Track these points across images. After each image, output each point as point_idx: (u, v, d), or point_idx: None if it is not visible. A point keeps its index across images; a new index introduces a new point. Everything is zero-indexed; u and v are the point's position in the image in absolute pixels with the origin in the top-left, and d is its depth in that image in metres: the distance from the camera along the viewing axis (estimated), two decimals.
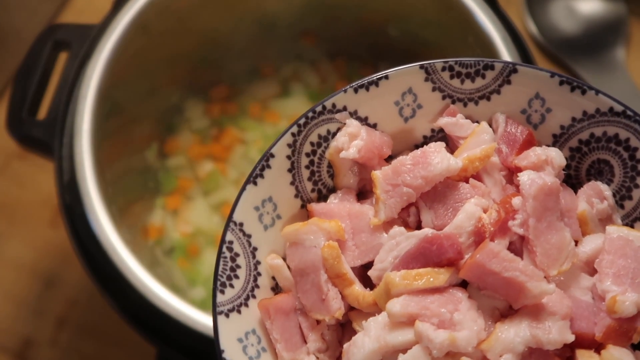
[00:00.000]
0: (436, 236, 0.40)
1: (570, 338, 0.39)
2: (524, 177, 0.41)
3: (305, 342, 0.43)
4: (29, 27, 0.94)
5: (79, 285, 0.84)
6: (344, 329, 0.44)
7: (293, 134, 0.44)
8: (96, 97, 0.67)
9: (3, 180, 0.90)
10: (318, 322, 0.43)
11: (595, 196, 0.44)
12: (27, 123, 0.70)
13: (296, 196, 0.46)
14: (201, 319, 0.60)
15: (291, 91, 0.86)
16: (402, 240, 0.42)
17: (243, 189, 0.43)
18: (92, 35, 0.70)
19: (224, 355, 0.41)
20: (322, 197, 0.47)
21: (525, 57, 0.66)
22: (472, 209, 0.41)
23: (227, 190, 0.82)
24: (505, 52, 0.66)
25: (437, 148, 0.43)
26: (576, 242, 0.43)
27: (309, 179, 0.46)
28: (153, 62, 0.76)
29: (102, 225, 0.63)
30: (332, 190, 0.47)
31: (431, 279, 0.40)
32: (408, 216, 0.44)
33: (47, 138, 0.68)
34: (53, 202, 0.88)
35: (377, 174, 0.43)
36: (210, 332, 0.59)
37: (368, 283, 0.43)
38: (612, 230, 0.41)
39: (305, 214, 0.46)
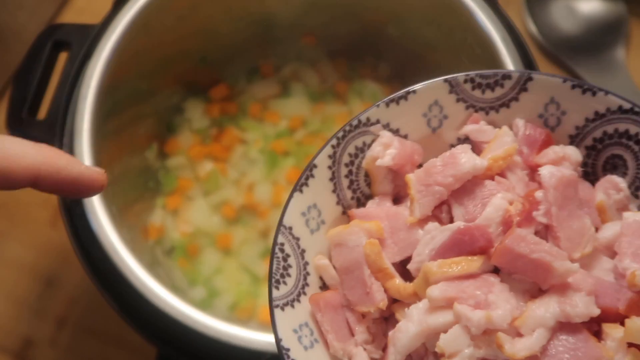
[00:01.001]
0: (468, 227, 0.44)
1: (596, 311, 0.41)
2: (544, 171, 0.45)
3: (352, 335, 0.47)
4: (29, 27, 0.93)
5: (79, 285, 0.84)
6: (388, 322, 0.47)
7: (333, 146, 0.48)
8: (96, 97, 0.67)
9: None
10: (363, 316, 0.47)
11: (611, 188, 0.47)
12: (27, 123, 0.70)
13: (337, 203, 0.49)
14: (201, 319, 0.60)
15: (291, 91, 0.87)
16: (436, 234, 0.45)
17: (291, 196, 0.47)
18: (92, 35, 0.70)
19: (282, 343, 0.44)
20: (361, 204, 0.51)
21: (525, 57, 0.66)
22: (499, 202, 0.45)
23: (228, 190, 0.82)
24: (505, 52, 0.66)
25: (463, 149, 0.47)
26: (596, 229, 0.46)
27: (349, 187, 0.50)
28: (153, 62, 0.76)
29: (102, 225, 0.63)
30: (370, 197, 0.51)
31: (465, 266, 0.43)
32: (441, 213, 0.47)
33: (47, 138, 0.68)
34: (53, 202, 0.88)
35: (411, 177, 0.47)
36: (212, 333, 0.59)
37: (407, 278, 0.46)
38: (628, 216, 0.45)
39: (346, 219, 0.50)
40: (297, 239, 0.47)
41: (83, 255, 0.64)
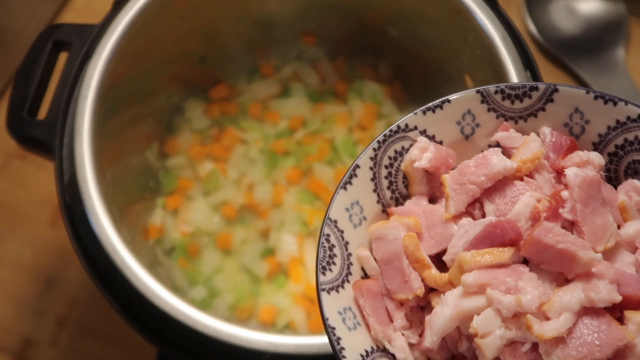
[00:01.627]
0: (499, 221, 0.48)
1: (618, 298, 0.45)
2: (569, 172, 0.48)
3: (391, 321, 0.51)
4: (29, 27, 0.94)
5: (79, 285, 0.85)
6: (424, 311, 0.51)
7: (374, 149, 0.53)
8: (96, 97, 0.67)
9: (3, 180, 0.90)
10: (401, 304, 0.51)
11: (632, 190, 0.51)
12: (28, 123, 0.70)
13: (378, 202, 0.53)
14: (202, 319, 0.60)
15: (291, 91, 0.87)
16: (470, 227, 0.49)
17: (336, 192, 0.52)
18: (92, 35, 0.70)
19: (328, 322, 0.48)
20: (399, 204, 0.55)
21: (525, 57, 0.67)
22: (527, 199, 0.48)
23: (228, 190, 0.82)
24: (505, 52, 0.66)
25: (495, 152, 0.51)
26: (619, 227, 0.49)
27: (388, 188, 0.54)
28: (153, 62, 0.76)
29: (103, 225, 0.63)
30: (407, 197, 0.55)
31: (497, 256, 0.47)
32: (474, 210, 0.51)
33: (48, 138, 0.68)
34: (53, 202, 0.88)
35: (446, 177, 0.51)
36: (212, 333, 0.59)
37: (442, 269, 0.50)
38: None
39: (385, 217, 0.54)
40: (342, 231, 0.51)
41: (83, 255, 0.64)
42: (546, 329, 0.44)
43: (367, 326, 0.51)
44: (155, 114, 0.82)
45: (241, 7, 0.80)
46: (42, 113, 0.71)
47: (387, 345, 0.50)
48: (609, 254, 0.48)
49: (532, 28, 0.91)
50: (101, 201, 0.64)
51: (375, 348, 0.50)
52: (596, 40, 0.90)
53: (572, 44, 0.90)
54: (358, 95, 0.85)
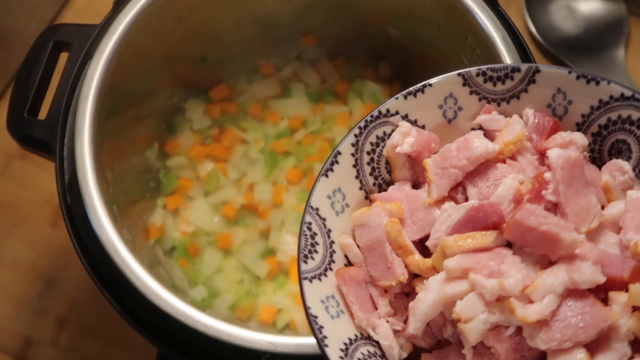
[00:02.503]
0: (481, 205, 0.47)
1: (602, 279, 0.44)
2: (552, 153, 0.48)
3: (376, 308, 0.50)
4: (29, 28, 0.94)
5: (79, 285, 0.85)
6: (409, 297, 0.51)
7: (355, 135, 0.52)
8: (97, 97, 0.67)
9: (4, 180, 0.90)
10: (386, 291, 0.50)
11: (616, 170, 0.50)
12: (28, 123, 0.70)
13: (360, 188, 0.53)
14: (202, 319, 0.60)
15: (291, 91, 0.87)
16: (452, 212, 0.49)
17: (317, 180, 0.51)
18: (92, 35, 0.70)
19: (310, 311, 0.48)
20: (382, 190, 0.54)
21: (526, 57, 0.67)
22: (510, 182, 0.48)
23: (228, 190, 0.82)
24: (505, 52, 0.66)
25: (477, 134, 0.50)
26: (603, 207, 0.49)
27: (371, 174, 0.53)
28: (153, 62, 0.76)
29: (103, 225, 0.63)
30: (390, 183, 0.54)
31: (479, 240, 0.46)
32: (456, 194, 0.51)
33: (48, 138, 0.68)
34: (54, 202, 0.88)
35: (428, 161, 0.51)
36: (212, 333, 0.59)
37: (426, 255, 0.50)
38: (632, 193, 0.48)
39: (368, 203, 0.54)
40: (324, 219, 0.51)
41: (83, 255, 0.64)
42: (530, 312, 0.44)
43: (351, 314, 0.50)
44: (155, 114, 0.82)
45: (241, 7, 0.80)
46: (43, 113, 0.71)
47: (372, 333, 0.50)
48: (593, 235, 0.47)
49: (532, 28, 0.91)
50: (101, 201, 0.64)
51: (359, 336, 0.50)
52: (596, 40, 0.90)
53: (572, 44, 0.90)
54: (358, 95, 0.85)
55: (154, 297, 0.61)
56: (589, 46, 0.90)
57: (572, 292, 0.44)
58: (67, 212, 0.65)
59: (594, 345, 0.44)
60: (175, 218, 0.82)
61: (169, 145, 0.83)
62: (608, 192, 0.49)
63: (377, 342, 0.50)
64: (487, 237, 0.46)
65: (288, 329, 0.76)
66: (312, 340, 0.60)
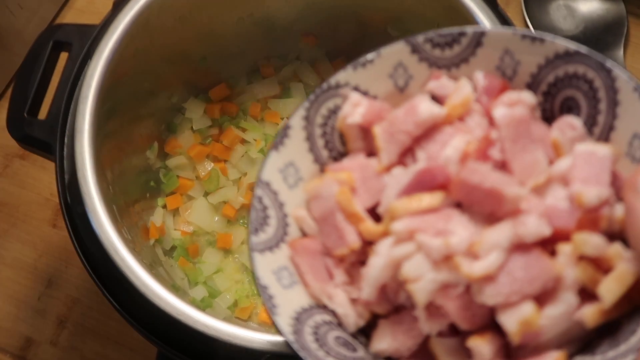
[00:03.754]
0: (427, 167, 0.47)
1: (547, 230, 0.44)
2: (497, 112, 0.48)
3: (332, 278, 0.50)
4: (29, 28, 0.94)
5: (79, 285, 0.85)
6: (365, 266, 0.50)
7: (306, 109, 0.52)
8: (97, 97, 0.67)
9: (3, 180, 0.90)
10: (341, 261, 0.50)
11: (566, 127, 0.50)
12: (28, 123, 0.70)
13: (314, 162, 0.53)
14: (202, 319, 0.60)
15: (291, 91, 0.87)
16: (401, 176, 0.49)
17: (268, 155, 0.52)
18: (92, 35, 0.70)
19: (260, 281, 0.48)
20: (338, 162, 0.54)
21: None
22: (457, 143, 0.48)
23: (228, 190, 0.82)
24: None
25: (422, 99, 0.50)
26: (553, 164, 0.49)
27: (324, 147, 0.54)
28: (153, 62, 0.76)
29: (103, 225, 0.63)
30: (346, 155, 0.54)
31: (426, 201, 0.46)
32: (406, 159, 0.51)
33: (48, 138, 0.68)
34: (54, 201, 0.88)
35: (376, 128, 0.51)
36: (212, 332, 0.59)
37: (379, 222, 0.50)
38: (580, 146, 0.47)
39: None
40: (275, 193, 0.51)
41: (83, 255, 0.64)
42: (474, 268, 0.43)
43: (305, 284, 0.50)
44: (155, 114, 0.82)
45: (241, 7, 0.80)
46: (43, 113, 0.71)
47: (327, 302, 0.49)
48: (541, 190, 0.47)
49: (532, 28, 0.91)
50: (101, 201, 0.64)
51: (313, 305, 0.50)
52: (595, 40, 0.90)
53: None
54: None
55: (154, 297, 0.61)
56: (588, 46, 0.90)
57: (519, 247, 0.44)
58: (67, 211, 0.65)
59: (542, 298, 0.44)
60: (175, 218, 0.82)
61: (169, 145, 0.83)
62: (558, 148, 0.49)
63: (333, 311, 0.50)
64: (434, 198, 0.46)
65: None
66: None
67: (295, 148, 0.52)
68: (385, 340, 0.49)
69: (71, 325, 0.83)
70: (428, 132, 0.50)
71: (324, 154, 0.54)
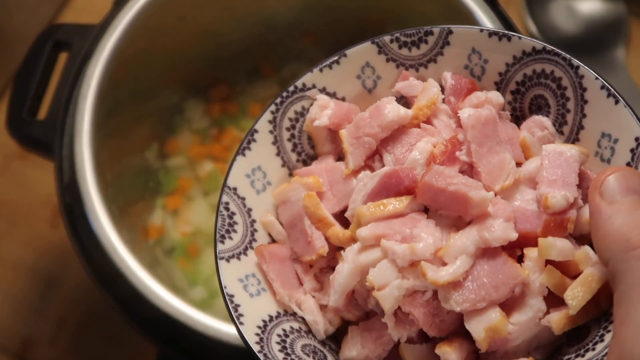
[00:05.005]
0: (393, 170, 0.47)
1: (514, 235, 0.44)
2: (463, 113, 0.47)
3: (301, 285, 0.49)
4: (29, 27, 0.94)
5: (79, 285, 0.85)
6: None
7: (272, 112, 0.51)
8: (96, 97, 0.67)
9: (3, 180, 0.90)
10: (310, 266, 0.50)
11: (535, 126, 0.49)
12: (27, 123, 0.70)
13: (283, 165, 0.52)
14: (202, 319, 0.60)
15: None
16: (367, 180, 0.48)
17: (234, 159, 0.51)
18: (92, 35, 0.70)
19: (226, 290, 0.47)
20: (307, 166, 0.53)
21: None
22: (423, 145, 0.47)
23: None
24: None
25: (388, 101, 0.49)
26: (521, 165, 0.48)
27: (293, 150, 0.53)
28: (153, 62, 0.76)
29: (103, 225, 0.63)
30: (315, 158, 0.53)
31: (393, 206, 0.46)
32: (373, 162, 0.50)
33: (47, 138, 0.68)
34: (53, 202, 0.88)
35: (343, 131, 0.50)
36: (211, 333, 0.59)
37: (348, 227, 0.49)
38: (547, 147, 0.47)
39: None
40: (243, 198, 0.50)
41: (83, 255, 0.64)
42: (441, 275, 0.43)
43: (273, 292, 0.49)
44: (155, 114, 0.82)
45: (241, 7, 0.80)
46: (42, 113, 0.71)
47: (295, 309, 0.49)
48: (509, 193, 0.46)
49: (532, 28, 0.91)
50: (101, 201, 0.64)
51: (282, 313, 0.49)
52: (596, 40, 0.90)
53: (572, 44, 0.90)
54: None
55: (154, 297, 0.61)
56: (589, 46, 0.90)
57: (486, 252, 0.44)
58: (67, 212, 0.65)
59: (509, 304, 0.44)
60: (174, 218, 0.82)
61: (169, 145, 0.83)
62: (526, 149, 0.48)
63: (303, 318, 0.49)
64: (401, 203, 0.46)
65: None
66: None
67: (263, 152, 0.51)
68: (355, 348, 0.47)
69: (71, 325, 0.83)
70: (395, 134, 0.49)
71: (293, 157, 0.53)
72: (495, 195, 0.46)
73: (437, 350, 0.44)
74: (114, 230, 0.63)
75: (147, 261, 0.71)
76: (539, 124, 0.49)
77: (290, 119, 0.52)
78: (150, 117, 0.81)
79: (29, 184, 0.90)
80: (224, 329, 0.60)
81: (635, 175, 0.42)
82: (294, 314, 0.49)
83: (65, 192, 0.65)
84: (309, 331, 0.49)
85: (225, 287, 0.47)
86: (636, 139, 0.45)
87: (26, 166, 0.90)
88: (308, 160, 0.53)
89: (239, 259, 0.49)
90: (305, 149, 0.53)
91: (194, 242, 0.81)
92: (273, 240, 0.51)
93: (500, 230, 0.43)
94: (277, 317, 0.48)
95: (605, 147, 0.47)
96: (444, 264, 0.44)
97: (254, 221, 0.50)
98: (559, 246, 0.43)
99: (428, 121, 0.50)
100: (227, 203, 0.50)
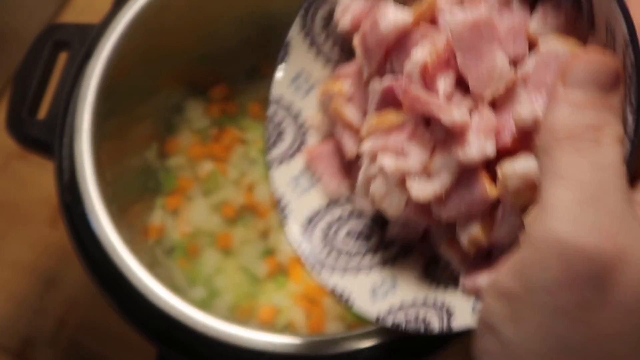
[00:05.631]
0: (389, 86, 0.46)
1: (488, 151, 0.42)
2: (446, 17, 0.45)
3: (348, 176, 0.52)
4: (28, 27, 0.94)
5: (79, 285, 0.85)
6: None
7: (302, 16, 0.53)
8: (96, 97, 0.67)
9: (3, 180, 0.90)
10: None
11: (551, 10, 0.43)
12: (27, 123, 0.70)
13: (325, 65, 0.53)
14: (202, 319, 0.60)
15: None
16: (376, 92, 0.48)
17: (274, 76, 0.53)
18: (92, 35, 0.70)
19: (276, 194, 0.50)
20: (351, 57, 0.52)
21: None
22: (417, 55, 0.44)
23: (228, 190, 0.82)
24: None
25: (386, 6, 0.47)
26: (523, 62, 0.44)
27: (332, 48, 0.53)
28: (153, 62, 0.76)
29: (102, 225, 0.63)
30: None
31: (387, 119, 0.46)
32: (386, 70, 0.49)
33: (47, 138, 0.68)
34: (53, 202, 0.87)
35: (355, 39, 0.49)
36: (211, 333, 0.59)
37: None
38: (544, 44, 0.42)
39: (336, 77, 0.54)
40: (289, 104, 0.52)
41: (83, 255, 0.64)
42: (423, 191, 0.44)
43: (322, 186, 0.51)
44: (155, 114, 0.82)
45: (241, 7, 0.80)
46: (42, 113, 0.71)
47: (347, 198, 0.51)
48: (504, 99, 0.43)
49: None
50: (101, 201, 0.64)
51: (329, 203, 0.51)
52: None
53: None
54: None
55: (154, 297, 0.61)
56: None
57: (466, 168, 0.43)
58: (67, 212, 0.65)
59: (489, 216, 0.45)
60: (174, 218, 0.82)
61: (168, 145, 0.83)
62: (534, 43, 0.43)
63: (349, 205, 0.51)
64: (396, 117, 0.46)
65: (288, 329, 0.76)
66: (311, 340, 0.60)
67: (301, 58, 0.53)
68: (396, 225, 0.50)
69: (71, 325, 0.83)
70: (400, 39, 0.47)
71: (334, 55, 0.53)
72: (490, 104, 0.43)
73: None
74: (113, 230, 0.63)
75: (147, 261, 0.70)
76: (556, 7, 0.43)
77: (323, 19, 0.53)
78: (150, 117, 0.81)
79: (29, 184, 0.90)
80: (224, 329, 0.60)
81: (609, 66, 0.37)
82: (341, 204, 0.51)
83: (65, 191, 0.65)
84: (355, 214, 0.51)
85: (275, 191, 0.50)
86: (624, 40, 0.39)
87: (26, 166, 0.90)
88: (351, 56, 0.53)
89: (287, 163, 0.51)
90: (347, 43, 0.53)
91: (194, 242, 0.81)
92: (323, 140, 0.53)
93: (474, 148, 0.42)
94: (325, 208, 0.51)
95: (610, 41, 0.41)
96: (431, 176, 0.45)
97: (302, 124, 0.52)
98: (518, 173, 0.40)
99: (433, 21, 0.47)
100: (273, 113, 0.52)
